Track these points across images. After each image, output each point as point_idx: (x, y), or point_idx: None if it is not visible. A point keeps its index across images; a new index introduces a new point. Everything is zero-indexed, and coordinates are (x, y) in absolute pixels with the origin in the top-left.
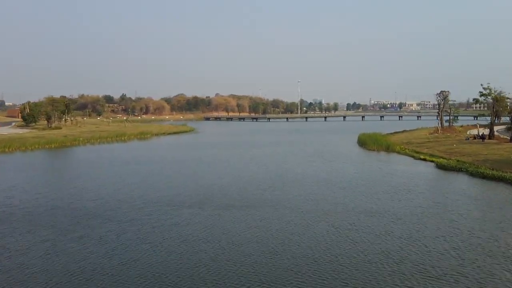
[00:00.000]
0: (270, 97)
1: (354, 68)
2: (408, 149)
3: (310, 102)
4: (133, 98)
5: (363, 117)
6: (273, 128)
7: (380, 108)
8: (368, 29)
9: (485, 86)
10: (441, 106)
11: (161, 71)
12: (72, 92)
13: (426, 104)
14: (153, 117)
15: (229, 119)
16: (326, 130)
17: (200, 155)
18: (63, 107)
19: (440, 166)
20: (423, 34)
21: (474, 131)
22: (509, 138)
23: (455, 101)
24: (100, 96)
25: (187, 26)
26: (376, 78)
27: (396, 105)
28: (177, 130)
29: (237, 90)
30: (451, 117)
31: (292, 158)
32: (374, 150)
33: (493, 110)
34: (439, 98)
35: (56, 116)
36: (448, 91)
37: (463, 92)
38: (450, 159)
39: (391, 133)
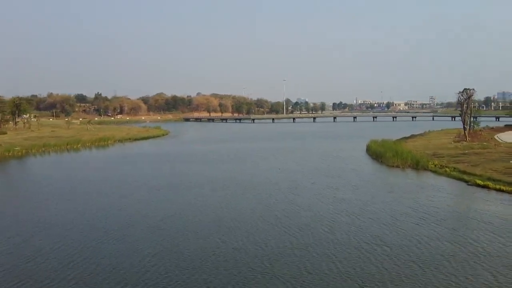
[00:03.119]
0: (254, 96)
1: (338, 67)
2: (449, 168)
3: (296, 102)
4: (109, 98)
5: (354, 118)
6: (259, 130)
7: (367, 108)
8: (355, 29)
9: None
10: (465, 106)
11: (141, 70)
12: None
13: (413, 104)
14: (128, 118)
15: (211, 120)
16: (321, 134)
17: (146, 183)
18: (11, 107)
19: None
20: (410, 35)
21: (504, 136)
22: None
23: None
24: (72, 95)
25: (169, 25)
26: (361, 77)
27: (384, 105)
28: (147, 135)
29: (220, 89)
30: (473, 119)
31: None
32: (397, 166)
33: None
34: (462, 97)
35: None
36: (473, 89)
37: (450, 92)
38: None
39: (402, 139)
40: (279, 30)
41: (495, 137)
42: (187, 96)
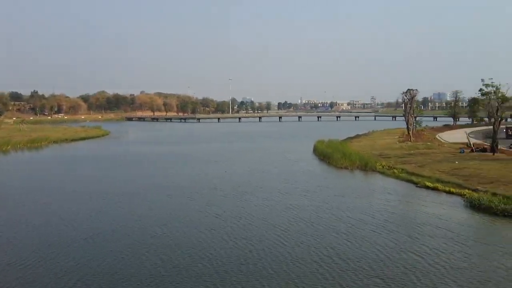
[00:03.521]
0: (199, 95)
1: (283, 67)
2: (397, 169)
3: (241, 101)
4: (46, 96)
5: (299, 117)
6: (204, 130)
7: (311, 107)
8: (300, 29)
9: (488, 82)
10: (408, 107)
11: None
12: None
13: (355, 104)
14: (66, 117)
15: (155, 119)
16: (267, 134)
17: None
18: None
19: (476, 206)
20: (352, 36)
21: (445, 135)
22: None
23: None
24: (6, 93)
25: (114, 19)
26: (305, 77)
27: (327, 105)
28: (85, 136)
29: (164, 88)
30: (416, 120)
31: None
32: (345, 167)
33: (496, 113)
34: (405, 97)
35: None
36: (416, 90)
37: (389, 92)
38: (478, 190)
39: (348, 139)
40: (224, 30)
41: (437, 136)
42: (130, 95)
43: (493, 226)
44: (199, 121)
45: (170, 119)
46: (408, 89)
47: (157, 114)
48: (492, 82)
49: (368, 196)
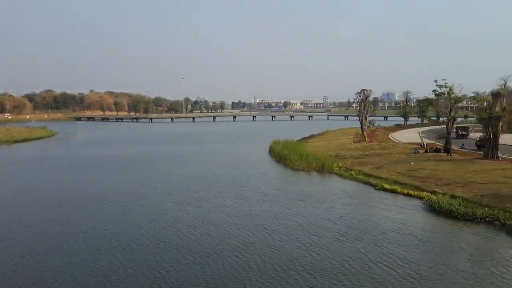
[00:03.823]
0: (152, 94)
1: (237, 66)
2: (354, 171)
3: (195, 101)
4: None
5: (254, 117)
6: (157, 131)
7: (265, 107)
8: (251, 29)
9: (441, 83)
10: (363, 107)
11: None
12: None
13: (308, 103)
14: (9, 117)
15: (105, 119)
16: (222, 134)
17: None
18: None
19: (437, 210)
20: (303, 36)
21: (397, 135)
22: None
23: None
24: None
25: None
26: (259, 76)
27: (281, 104)
28: (29, 136)
29: (115, 87)
30: (369, 120)
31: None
32: (302, 169)
33: (450, 114)
34: (359, 97)
35: None
36: (370, 90)
37: (345, 92)
38: (436, 192)
39: (303, 139)
40: (178, 29)
41: (390, 136)
42: (79, 94)
43: (457, 231)
44: (151, 121)
45: (121, 118)
46: (362, 89)
47: (107, 113)
48: (445, 83)
49: (328, 200)
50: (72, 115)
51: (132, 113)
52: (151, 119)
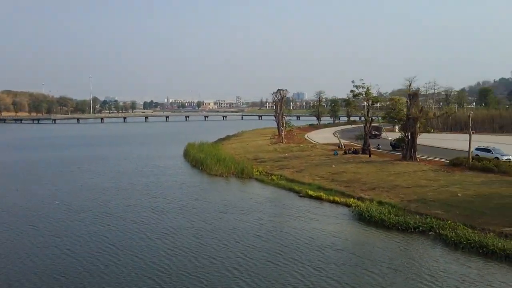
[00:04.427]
0: (56, 94)
1: (149, 66)
2: (275, 175)
3: (104, 100)
4: None
5: (167, 117)
6: (60, 133)
7: (178, 107)
8: (162, 27)
9: (358, 83)
10: (279, 107)
11: None
12: None
13: (221, 103)
14: None
15: (1, 120)
16: (133, 137)
17: None
18: None
19: (367, 219)
20: (216, 36)
21: (313, 136)
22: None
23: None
24: None
25: None
26: (172, 76)
27: (195, 104)
28: None
29: (14, 85)
30: (285, 120)
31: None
32: (220, 175)
33: (367, 114)
34: (276, 97)
35: None
36: (286, 90)
37: (257, 92)
38: (362, 198)
39: (219, 141)
40: (84, 23)
41: (306, 137)
42: None
43: (394, 244)
44: (55, 122)
45: (21, 120)
46: (278, 89)
47: (4, 114)
48: (363, 83)
49: (253, 211)
50: None
51: (34, 114)
52: (54, 120)
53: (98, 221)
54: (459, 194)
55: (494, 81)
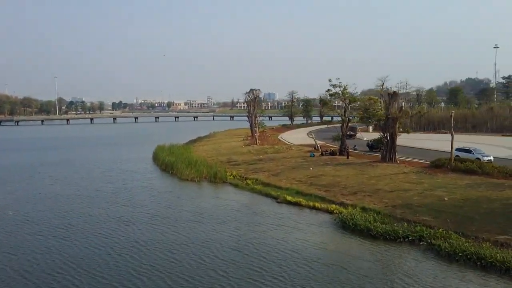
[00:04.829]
0: (20, 94)
1: (118, 66)
2: (250, 180)
3: (71, 101)
4: None
5: (136, 118)
6: (23, 136)
7: (148, 107)
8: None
9: (335, 82)
10: (252, 108)
11: None
12: None
13: (192, 103)
14: None
15: None
16: (101, 139)
17: None
18: None
19: (351, 228)
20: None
21: (286, 136)
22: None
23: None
24: None
25: None
26: (140, 76)
27: (165, 105)
28: None
29: None
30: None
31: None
32: (192, 179)
33: (344, 114)
34: (249, 97)
35: None
36: (259, 90)
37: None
38: (344, 203)
39: (190, 143)
40: (50, 21)
41: (279, 138)
42: None
43: (384, 256)
44: (17, 124)
45: None
46: (251, 89)
47: None
48: (340, 83)
49: (229, 220)
50: None
51: None
52: (17, 122)
53: (57, 235)
54: (446, 198)
55: (461, 81)
